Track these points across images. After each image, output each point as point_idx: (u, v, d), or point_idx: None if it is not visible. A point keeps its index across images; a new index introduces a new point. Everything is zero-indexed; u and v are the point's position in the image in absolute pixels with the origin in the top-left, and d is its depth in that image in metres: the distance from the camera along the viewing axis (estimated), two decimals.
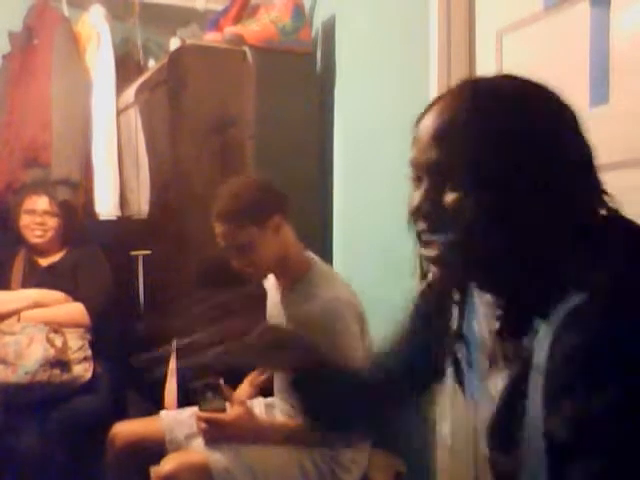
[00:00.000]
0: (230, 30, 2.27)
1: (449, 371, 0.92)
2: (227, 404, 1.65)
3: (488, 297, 0.83)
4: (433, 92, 1.78)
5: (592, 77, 1.40)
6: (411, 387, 1.02)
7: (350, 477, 1.66)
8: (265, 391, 1.91)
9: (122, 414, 2.18)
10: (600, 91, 1.37)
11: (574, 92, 1.44)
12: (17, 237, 2.49)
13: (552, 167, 0.72)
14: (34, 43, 2.62)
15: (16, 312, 2.26)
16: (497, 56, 1.70)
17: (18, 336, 2.17)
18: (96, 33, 2.66)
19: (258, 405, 1.84)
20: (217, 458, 1.54)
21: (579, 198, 0.73)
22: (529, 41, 1.60)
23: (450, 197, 0.74)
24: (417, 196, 0.78)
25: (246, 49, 2.24)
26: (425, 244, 0.78)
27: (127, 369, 2.37)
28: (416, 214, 0.78)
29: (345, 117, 2.35)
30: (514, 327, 0.76)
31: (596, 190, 0.76)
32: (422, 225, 0.78)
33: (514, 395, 0.75)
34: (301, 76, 2.36)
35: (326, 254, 2.40)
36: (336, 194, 2.39)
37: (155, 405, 1.95)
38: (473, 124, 0.73)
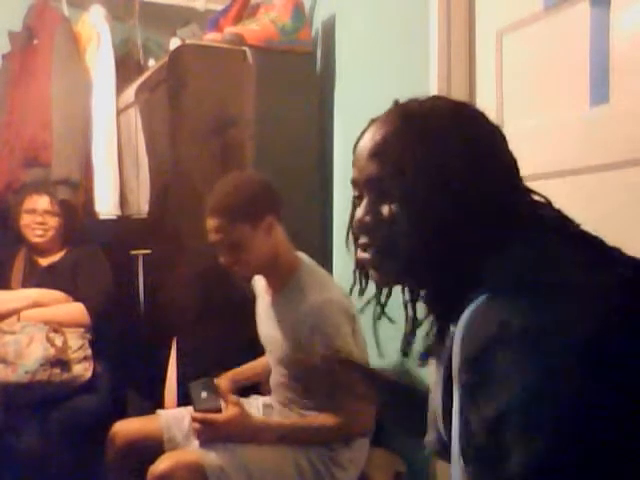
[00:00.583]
0: (230, 30, 2.27)
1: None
2: (223, 403, 1.64)
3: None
4: (433, 92, 1.78)
5: (592, 77, 1.40)
6: None
7: (347, 476, 1.66)
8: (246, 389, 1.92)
9: (122, 413, 2.18)
10: (600, 91, 1.38)
11: (574, 92, 1.45)
12: (17, 237, 2.49)
13: (472, 177, 0.78)
14: (34, 43, 2.62)
15: (16, 311, 2.26)
16: (497, 56, 1.70)
17: (18, 335, 2.17)
18: (96, 33, 2.66)
19: (256, 404, 1.84)
20: (211, 457, 1.53)
21: (498, 206, 0.78)
22: (529, 41, 1.60)
23: (385, 209, 0.81)
24: (359, 212, 0.85)
25: (246, 49, 2.24)
26: (362, 252, 0.86)
27: (127, 369, 2.38)
28: (357, 227, 0.85)
29: (345, 117, 2.35)
30: (438, 328, 0.82)
31: (516, 198, 0.81)
32: (364, 239, 0.85)
33: (444, 394, 0.78)
34: (301, 76, 2.37)
35: (326, 254, 2.40)
36: (336, 194, 2.39)
37: (155, 405, 1.95)
38: (401, 140, 0.80)
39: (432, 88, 1.80)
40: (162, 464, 1.51)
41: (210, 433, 1.58)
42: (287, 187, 2.32)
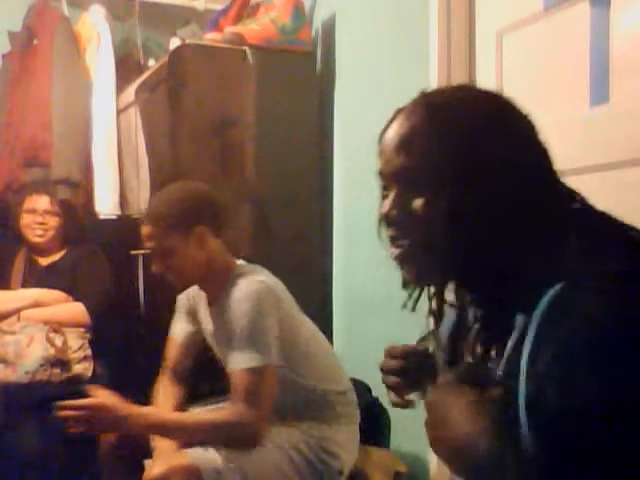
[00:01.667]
0: (230, 30, 2.27)
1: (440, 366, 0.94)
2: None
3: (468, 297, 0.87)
4: None
5: (592, 77, 1.40)
6: None
7: (338, 462, 1.67)
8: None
9: None
10: (600, 91, 1.38)
11: (574, 92, 1.45)
12: (17, 237, 2.49)
13: (509, 166, 0.76)
14: (34, 43, 2.62)
15: (16, 311, 2.26)
16: (497, 56, 1.70)
17: (18, 335, 2.17)
18: (96, 33, 2.66)
19: None
20: (207, 459, 1.52)
21: (539, 195, 0.77)
22: (529, 41, 1.60)
23: (416, 202, 0.79)
24: (386, 204, 0.84)
25: (246, 49, 2.24)
26: (394, 248, 0.83)
27: (127, 369, 2.38)
28: (386, 221, 0.84)
29: (345, 117, 2.35)
30: (495, 324, 0.79)
31: (555, 187, 0.80)
32: (392, 231, 0.83)
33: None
34: (301, 76, 2.37)
35: (326, 254, 2.40)
36: (336, 194, 2.39)
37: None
38: (431, 130, 0.78)
39: (432, 88, 1.80)
40: (156, 469, 1.48)
41: (82, 419, 1.52)
42: (287, 187, 2.34)
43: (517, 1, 1.63)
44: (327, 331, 2.40)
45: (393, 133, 0.82)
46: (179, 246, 1.62)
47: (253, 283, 1.60)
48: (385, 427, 2.01)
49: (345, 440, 1.70)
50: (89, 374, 2.22)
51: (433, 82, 1.81)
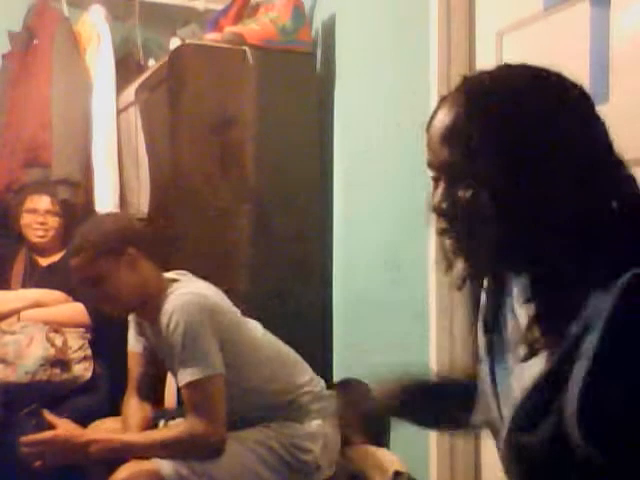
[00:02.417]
0: (230, 30, 2.27)
1: (483, 360, 0.91)
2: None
3: (523, 282, 0.83)
4: (433, 92, 1.78)
5: (592, 77, 1.40)
6: None
7: (313, 457, 1.69)
8: None
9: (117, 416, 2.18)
10: (600, 91, 1.37)
11: None
12: (18, 237, 2.49)
13: (562, 153, 0.74)
14: (34, 43, 2.62)
15: (16, 311, 2.26)
16: (497, 56, 1.70)
17: (18, 335, 2.17)
18: (96, 33, 2.66)
19: None
20: (170, 465, 1.54)
21: (597, 180, 0.74)
22: (529, 41, 1.60)
23: (463, 194, 0.77)
24: (436, 195, 0.81)
25: (246, 49, 2.24)
26: (447, 240, 0.81)
27: (127, 369, 2.37)
28: (437, 214, 0.81)
29: (345, 117, 2.35)
30: (555, 309, 0.76)
31: (617, 169, 0.78)
32: (443, 223, 0.81)
33: (551, 378, 0.74)
34: (301, 76, 2.36)
35: (326, 254, 2.40)
36: (336, 194, 2.39)
37: (155, 404, 1.95)
38: (476, 120, 0.75)
39: (432, 88, 1.80)
40: (121, 474, 1.52)
41: (42, 453, 1.57)
42: (287, 187, 2.34)
43: (517, 1, 1.63)
44: (327, 331, 2.40)
45: (437, 124, 0.80)
46: (111, 271, 1.63)
47: (180, 296, 1.62)
48: (385, 427, 2.01)
49: (318, 435, 1.72)
50: (89, 374, 2.22)
51: (433, 82, 1.81)
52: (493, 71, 0.81)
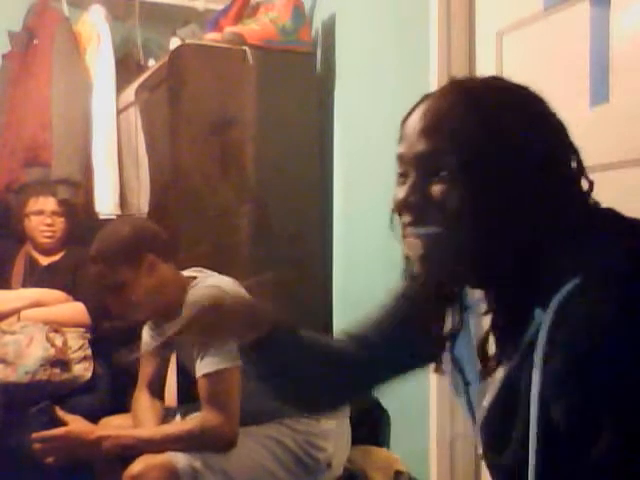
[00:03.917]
0: (230, 30, 2.27)
1: (449, 371, 0.92)
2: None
3: (479, 293, 0.84)
4: None
5: (592, 77, 1.40)
6: (390, 368, 1.00)
7: (326, 455, 1.70)
8: None
9: (122, 412, 2.18)
10: (600, 91, 1.38)
11: (574, 92, 1.45)
12: (18, 237, 2.49)
13: (534, 158, 0.75)
14: (34, 43, 2.62)
15: (16, 311, 2.26)
16: (497, 56, 1.70)
17: (18, 335, 2.17)
18: (96, 33, 2.66)
19: None
20: (184, 458, 1.54)
21: (563, 188, 0.76)
22: (529, 41, 1.60)
23: (437, 189, 0.76)
24: (403, 189, 0.80)
25: (246, 49, 2.24)
26: (409, 237, 0.80)
27: (127, 369, 2.38)
28: (402, 206, 0.80)
29: (345, 117, 2.35)
30: (509, 320, 0.77)
31: (577, 183, 0.79)
32: (407, 218, 0.79)
33: (510, 389, 0.75)
34: (301, 76, 2.36)
35: (326, 254, 2.40)
36: (336, 194, 2.39)
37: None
38: (460, 116, 0.76)
39: (432, 88, 1.80)
40: (135, 467, 1.52)
41: (54, 449, 1.58)
42: (287, 187, 2.33)
43: (517, 1, 1.63)
44: (327, 331, 2.40)
45: (418, 117, 0.80)
46: (131, 278, 1.64)
47: (200, 289, 1.63)
48: (385, 427, 2.01)
49: (332, 433, 1.72)
50: (89, 374, 2.22)
51: (433, 82, 1.81)
52: (480, 77, 0.83)
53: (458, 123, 0.76)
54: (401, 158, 0.82)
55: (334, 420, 1.73)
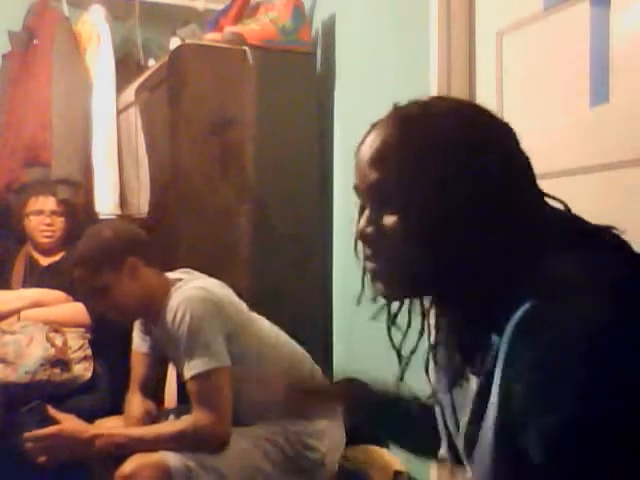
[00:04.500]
0: (230, 30, 2.27)
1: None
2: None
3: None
4: (433, 92, 1.78)
5: (592, 77, 1.40)
6: None
7: (319, 455, 1.71)
8: None
9: (122, 413, 2.18)
10: (600, 91, 1.38)
11: (574, 92, 1.45)
12: (18, 237, 2.49)
13: (482, 183, 0.74)
14: (34, 43, 2.62)
15: (16, 311, 2.26)
16: (497, 56, 1.70)
17: (18, 335, 2.17)
18: (96, 33, 2.67)
19: None
20: (176, 457, 1.54)
21: (513, 211, 0.75)
22: (529, 41, 1.60)
23: (387, 220, 0.78)
24: (361, 222, 0.81)
25: (246, 49, 2.24)
26: (368, 269, 0.82)
27: (127, 369, 2.38)
28: (361, 239, 0.81)
29: (345, 117, 2.35)
30: (469, 342, 0.79)
31: (533, 201, 0.78)
32: (367, 250, 0.81)
33: (478, 408, 0.75)
34: (301, 76, 2.37)
35: (326, 254, 2.40)
36: (336, 194, 2.39)
37: (155, 404, 1.95)
38: (400, 145, 0.77)
39: (432, 88, 1.80)
40: (128, 466, 1.52)
41: (46, 448, 1.58)
42: (287, 187, 2.34)
43: (517, 1, 1.63)
44: (327, 331, 2.40)
45: (366, 148, 0.81)
46: (113, 281, 1.65)
47: (184, 291, 1.64)
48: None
49: (325, 433, 1.73)
50: (89, 374, 2.22)
51: (433, 82, 1.81)
52: (425, 101, 0.82)
53: (398, 153, 0.76)
54: (356, 189, 0.84)
55: (326, 419, 1.73)
